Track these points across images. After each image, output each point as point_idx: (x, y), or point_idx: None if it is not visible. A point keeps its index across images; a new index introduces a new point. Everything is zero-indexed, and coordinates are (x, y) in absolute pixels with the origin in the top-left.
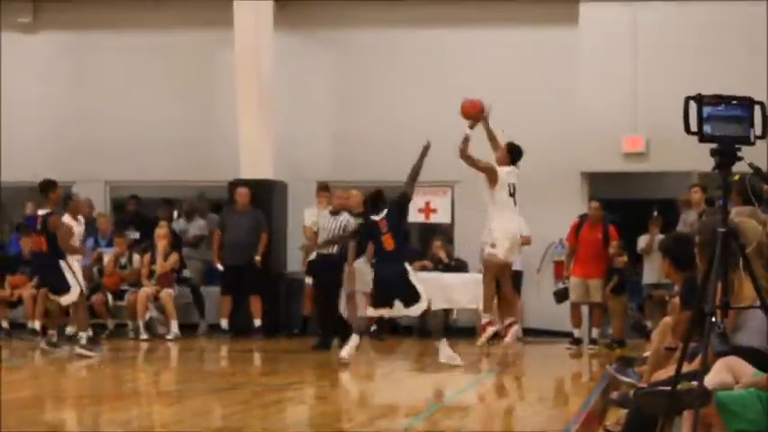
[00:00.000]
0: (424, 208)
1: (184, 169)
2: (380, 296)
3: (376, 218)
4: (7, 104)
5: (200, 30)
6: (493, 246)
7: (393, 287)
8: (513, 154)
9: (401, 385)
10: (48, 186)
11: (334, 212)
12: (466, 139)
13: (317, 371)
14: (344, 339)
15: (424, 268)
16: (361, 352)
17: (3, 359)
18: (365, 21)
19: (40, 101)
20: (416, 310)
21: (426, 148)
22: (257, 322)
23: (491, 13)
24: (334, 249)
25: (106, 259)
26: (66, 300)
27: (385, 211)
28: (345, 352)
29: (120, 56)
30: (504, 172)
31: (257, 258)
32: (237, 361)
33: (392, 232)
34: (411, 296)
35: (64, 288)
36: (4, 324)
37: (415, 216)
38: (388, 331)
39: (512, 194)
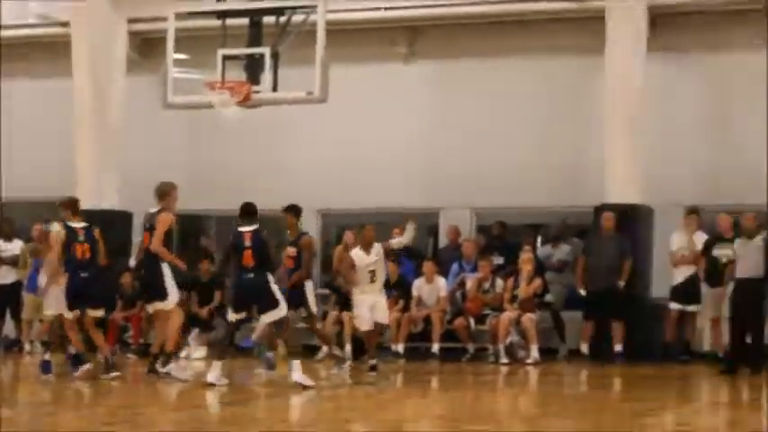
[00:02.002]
0: None
1: (550, 194)
2: None
3: None
4: (378, 130)
5: (573, 57)
6: None
7: None
8: None
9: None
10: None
11: (750, 236)
12: None
13: (678, 397)
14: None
15: None
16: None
17: (369, 381)
18: (736, 43)
19: (409, 129)
20: None
21: None
22: (618, 347)
23: None
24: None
25: (469, 284)
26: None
27: None
28: None
29: (492, 83)
30: None
31: (621, 284)
32: (597, 386)
33: None
34: None
35: None
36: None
37: None
38: None
39: None
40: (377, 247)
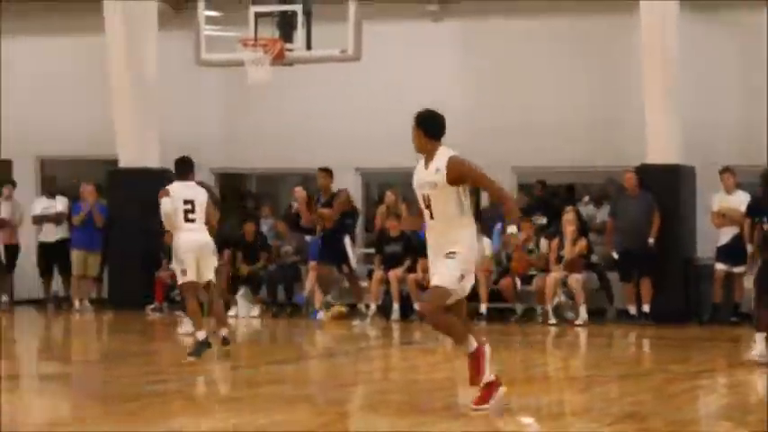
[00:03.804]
0: None
1: (592, 154)
2: None
3: None
4: (416, 90)
5: (606, 15)
6: None
7: None
8: None
9: None
10: None
11: None
12: None
13: (729, 359)
14: None
15: None
16: None
17: (416, 341)
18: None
19: (443, 87)
20: None
21: None
22: (646, 307)
23: None
24: None
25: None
26: None
27: None
28: None
29: (526, 43)
30: None
31: (651, 241)
32: (646, 347)
33: None
34: None
35: None
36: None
37: None
38: None
39: None
40: None
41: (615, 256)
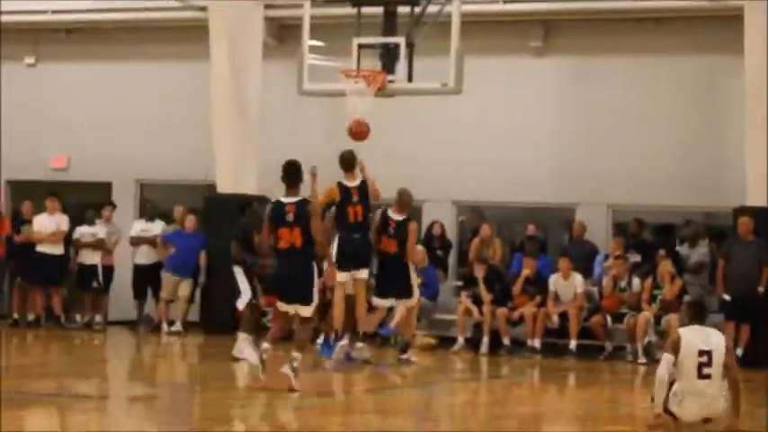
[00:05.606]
0: None
1: (688, 194)
2: None
3: None
4: (512, 124)
5: (708, 56)
6: None
7: None
8: None
9: None
10: None
11: None
12: None
13: None
14: None
15: None
16: None
17: (504, 375)
18: None
19: (546, 123)
20: None
21: None
22: (739, 351)
23: None
24: None
25: (605, 281)
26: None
27: None
28: None
29: (628, 80)
30: None
31: (760, 290)
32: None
33: None
34: None
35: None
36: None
37: None
38: None
39: None
40: None
41: (727, 298)
